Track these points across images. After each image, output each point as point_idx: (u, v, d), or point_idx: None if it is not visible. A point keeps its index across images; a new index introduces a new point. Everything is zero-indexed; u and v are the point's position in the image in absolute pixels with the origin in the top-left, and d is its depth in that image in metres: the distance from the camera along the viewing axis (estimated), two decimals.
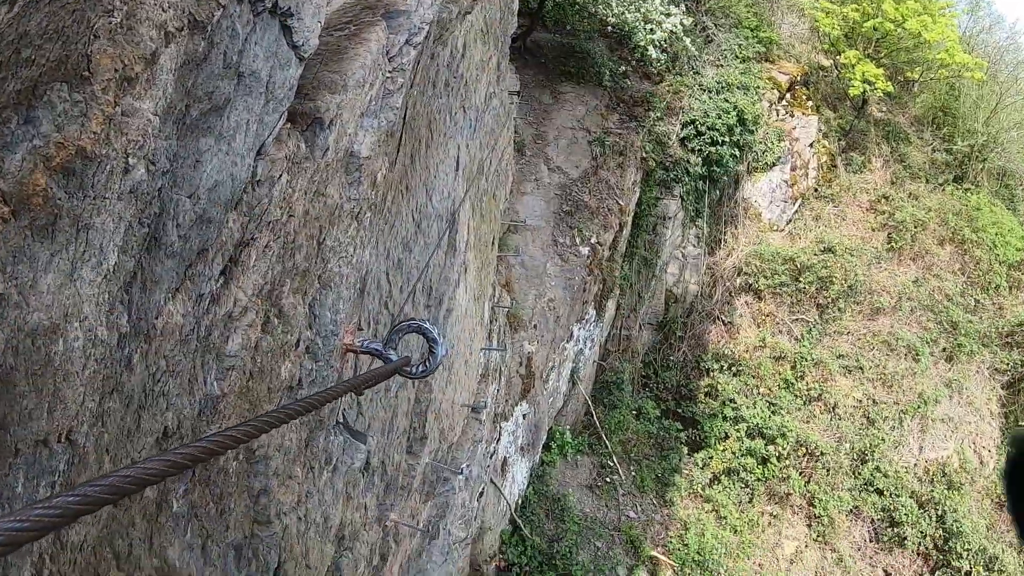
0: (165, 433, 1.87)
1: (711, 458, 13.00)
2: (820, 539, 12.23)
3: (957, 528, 11.87)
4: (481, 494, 8.19)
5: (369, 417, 3.54)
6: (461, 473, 6.13)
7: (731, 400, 13.33)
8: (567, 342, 11.41)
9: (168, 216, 1.69)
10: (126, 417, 1.69)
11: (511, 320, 9.16)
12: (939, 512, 12.20)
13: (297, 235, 2.36)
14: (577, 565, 9.82)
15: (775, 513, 12.43)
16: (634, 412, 13.13)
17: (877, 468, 12.52)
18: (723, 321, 14.41)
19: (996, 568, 11.68)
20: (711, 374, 13.93)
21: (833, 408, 13.08)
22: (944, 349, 13.69)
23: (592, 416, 12.55)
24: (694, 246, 14.44)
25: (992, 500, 12.74)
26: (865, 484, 12.54)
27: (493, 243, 7.45)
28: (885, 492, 12.39)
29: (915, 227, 14.80)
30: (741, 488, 12.60)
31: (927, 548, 12.04)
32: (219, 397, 2.13)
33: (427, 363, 3.00)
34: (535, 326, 9.96)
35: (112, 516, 1.67)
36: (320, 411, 2.85)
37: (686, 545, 11.29)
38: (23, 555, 1.36)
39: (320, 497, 2.84)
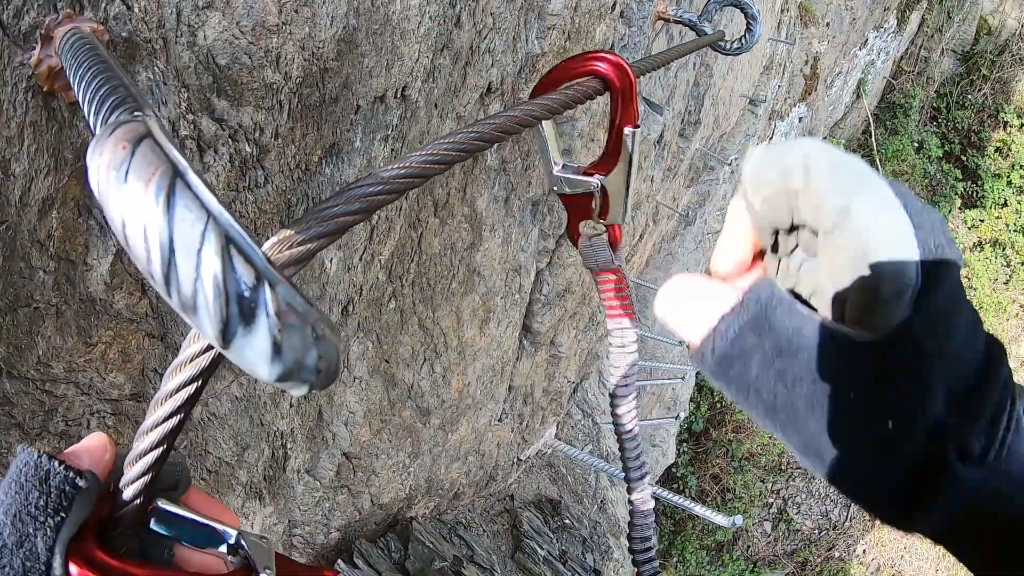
0: (488, 89, 1.79)
1: (982, 221, 10.95)
2: None
3: None
4: None
5: (646, 94, 3.29)
6: (728, 164, 5.72)
7: (1023, 166, 10.60)
8: (859, 49, 9.30)
9: None
10: (453, 73, 1.61)
11: (802, 13, 7.51)
12: None
13: None
14: None
15: None
16: (915, 144, 11.03)
17: None
18: None
19: None
20: (1008, 129, 11.04)
21: None
22: None
23: (870, 136, 10.73)
24: None
25: None
26: None
27: None
28: None
29: None
30: (1002, 265, 10.79)
31: None
32: (538, 56, 1.97)
33: (743, 40, 2.54)
34: (828, 24, 8.12)
35: None
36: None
37: None
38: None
39: None
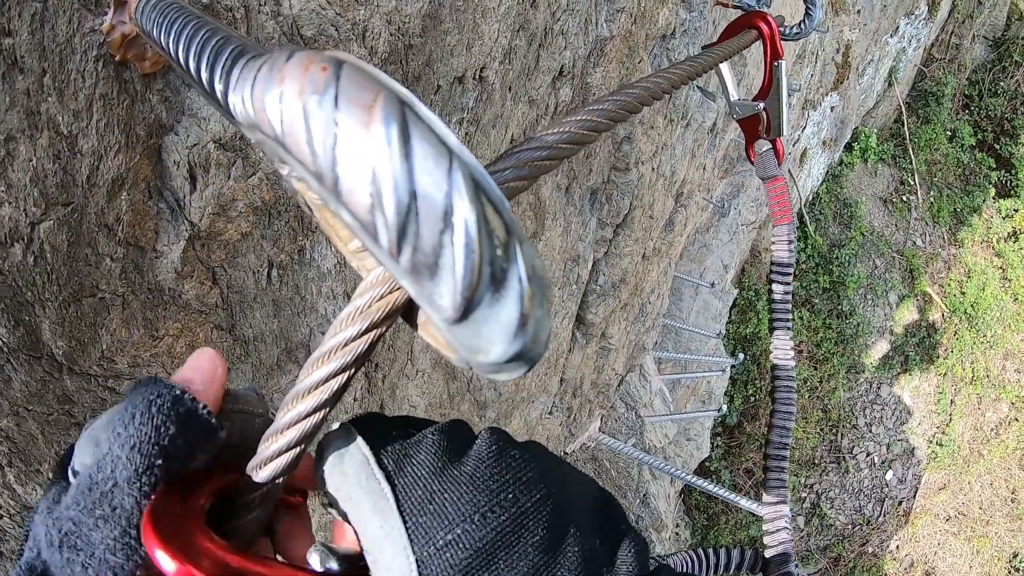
0: (560, 72, 1.67)
1: (1016, 211, 10.42)
2: None
3: None
4: None
5: (701, 83, 3.19)
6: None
7: None
8: (891, 36, 8.95)
9: None
10: (528, 55, 1.49)
11: (834, 0, 7.25)
12: None
13: None
14: (852, 277, 9.09)
15: None
16: (948, 133, 10.57)
17: None
18: None
19: None
20: None
21: None
22: None
23: (903, 125, 10.33)
24: None
25: None
26: None
27: None
28: None
29: None
30: None
31: None
32: (607, 39, 1.85)
33: (803, 24, 2.39)
34: (859, 11, 7.82)
35: None
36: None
37: (963, 294, 9.83)
38: None
39: (672, 151, 2.63)
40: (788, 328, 1.23)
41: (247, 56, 0.37)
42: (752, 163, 1.33)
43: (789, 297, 1.27)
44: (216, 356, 0.40)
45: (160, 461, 0.34)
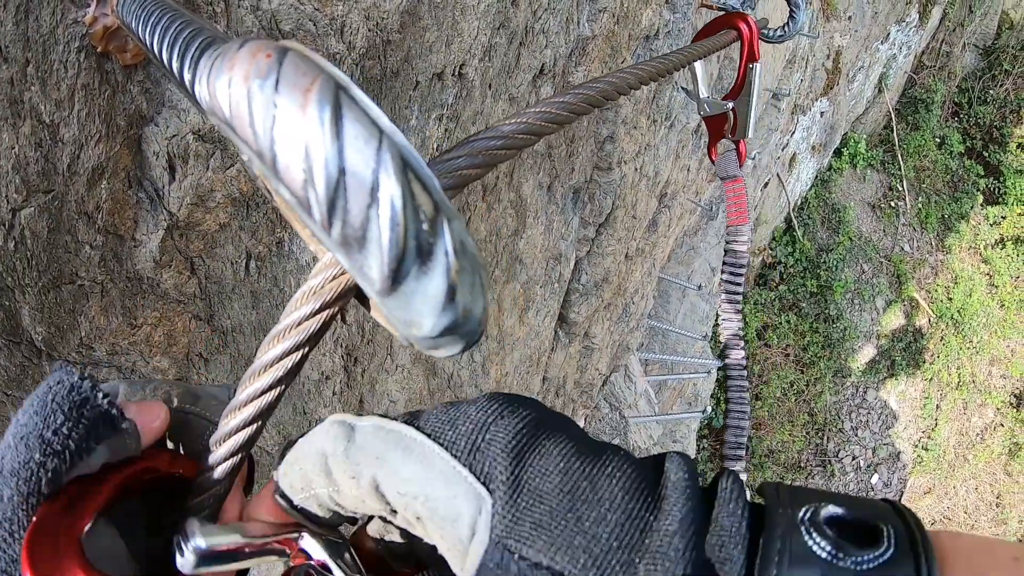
0: (541, 71, 1.70)
1: (1004, 218, 10.58)
2: None
3: None
4: (765, 185, 7.61)
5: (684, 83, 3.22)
6: (751, 158, 5.58)
7: None
8: (881, 43, 9.06)
9: None
10: (508, 53, 1.52)
11: (825, 6, 7.32)
12: None
13: None
14: (839, 281, 9.19)
15: None
16: (937, 140, 10.72)
17: None
18: None
19: None
20: None
21: None
22: None
23: (892, 131, 10.46)
24: None
25: None
26: None
27: None
28: None
29: None
30: None
31: None
32: (588, 39, 1.88)
33: (787, 27, 2.43)
34: (850, 17, 7.92)
35: None
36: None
37: (950, 299, 9.96)
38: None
39: (655, 151, 2.66)
40: (737, 325, 1.27)
41: (213, 47, 0.40)
42: (713, 162, 1.36)
43: (739, 298, 1.31)
44: (165, 411, 0.40)
45: (42, 456, 0.33)
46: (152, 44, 0.52)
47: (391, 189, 0.24)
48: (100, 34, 0.78)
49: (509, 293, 2.12)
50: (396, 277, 0.25)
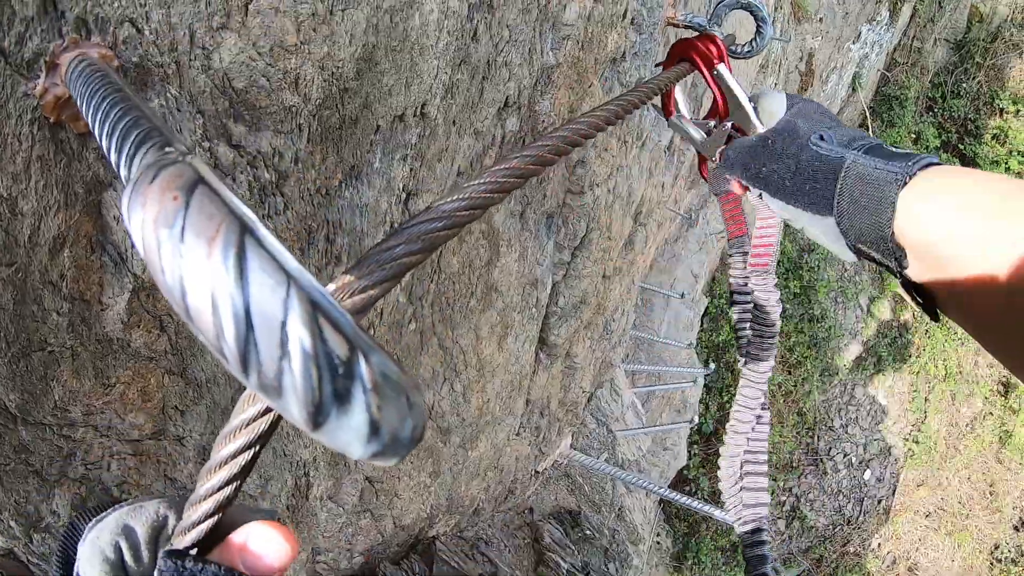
0: (506, 103, 1.72)
1: None
2: None
3: None
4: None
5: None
6: None
7: (1020, 152, 10.49)
8: (853, 43, 9.22)
9: None
10: (471, 88, 1.53)
11: (796, 10, 7.46)
12: None
13: None
14: (822, 281, 9.29)
15: None
16: (913, 135, 10.90)
17: None
18: None
19: None
20: (1004, 115, 10.85)
21: None
22: None
23: (867, 129, 10.63)
24: None
25: None
26: None
27: None
28: None
29: None
30: None
31: None
32: (553, 67, 1.90)
33: (753, 43, 2.47)
34: (821, 19, 8.05)
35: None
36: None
37: None
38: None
39: (628, 172, 2.68)
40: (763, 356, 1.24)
41: (146, 145, 0.40)
42: (705, 179, 1.30)
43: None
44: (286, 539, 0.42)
45: None
46: (94, 128, 0.52)
47: (301, 338, 0.24)
48: (52, 104, 0.78)
49: (486, 321, 2.13)
50: (317, 420, 0.25)
